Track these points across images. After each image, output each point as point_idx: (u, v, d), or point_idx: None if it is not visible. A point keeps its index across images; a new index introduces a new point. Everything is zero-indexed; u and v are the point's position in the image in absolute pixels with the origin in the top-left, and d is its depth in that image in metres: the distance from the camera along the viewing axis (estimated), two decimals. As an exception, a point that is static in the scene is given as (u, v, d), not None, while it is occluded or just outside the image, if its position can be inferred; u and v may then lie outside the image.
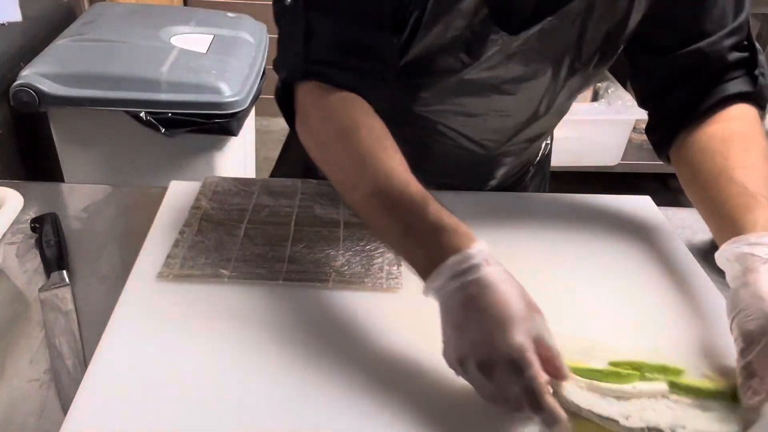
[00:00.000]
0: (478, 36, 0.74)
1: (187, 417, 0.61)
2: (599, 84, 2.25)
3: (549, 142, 1.11)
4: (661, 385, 0.61)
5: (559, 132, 2.10)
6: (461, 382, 0.62)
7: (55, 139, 1.71)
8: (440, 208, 0.62)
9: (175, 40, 1.77)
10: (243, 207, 0.87)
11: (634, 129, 2.25)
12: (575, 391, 0.59)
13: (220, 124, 1.62)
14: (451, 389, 0.64)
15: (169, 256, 0.78)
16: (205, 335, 0.69)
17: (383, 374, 0.66)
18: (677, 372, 0.62)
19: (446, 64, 0.77)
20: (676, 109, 0.78)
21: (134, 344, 0.68)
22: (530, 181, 1.10)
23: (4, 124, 1.67)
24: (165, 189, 0.92)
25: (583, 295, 0.78)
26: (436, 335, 0.70)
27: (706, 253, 0.91)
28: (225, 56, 1.73)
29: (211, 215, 0.85)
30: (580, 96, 2.24)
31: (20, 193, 0.81)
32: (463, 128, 0.90)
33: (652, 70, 0.79)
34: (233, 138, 1.69)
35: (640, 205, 0.95)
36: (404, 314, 0.73)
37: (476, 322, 0.56)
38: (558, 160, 2.20)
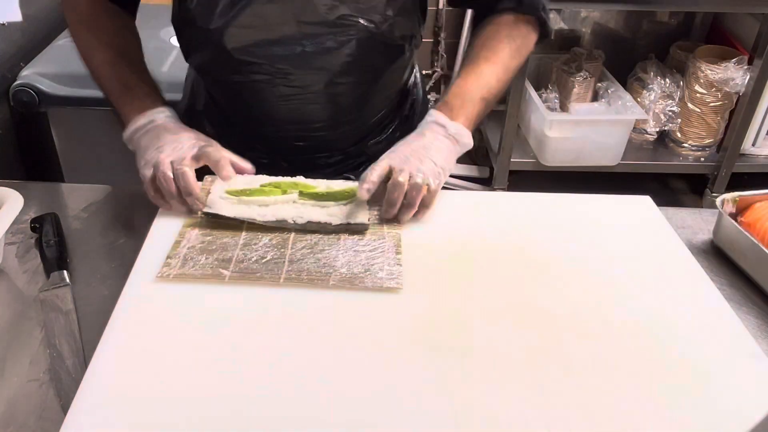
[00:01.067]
0: None
1: (186, 416, 0.61)
2: (599, 84, 2.25)
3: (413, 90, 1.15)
4: (293, 195, 0.86)
5: (558, 132, 2.11)
6: (463, 381, 0.61)
7: (55, 139, 1.71)
8: (138, 84, 0.93)
9: (175, 41, 1.77)
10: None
11: (634, 129, 2.25)
12: (228, 206, 0.84)
13: (220, 124, 1.61)
14: (454, 386, 0.64)
15: (169, 256, 0.78)
16: (205, 335, 0.69)
17: (384, 373, 0.66)
18: (308, 186, 0.88)
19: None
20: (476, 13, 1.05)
21: (134, 344, 0.68)
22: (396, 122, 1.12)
23: (4, 124, 1.67)
24: (165, 189, 0.92)
25: (582, 294, 0.78)
26: (437, 333, 0.70)
27: (706, 253, 0.91)
28: (225, 56, 1.73)
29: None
30: (580, 96, 2.24)
31: (20, 193, 0.81)
32: (277, 64, 0.93)
33: None
34: (233, 138, 1.69)
35: (640, 205, 0.95)
36: (405, 313, 0.73)
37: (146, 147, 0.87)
38: (558, 160, 2.21)
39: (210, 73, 1.03)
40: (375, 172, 0.84)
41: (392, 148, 0.88)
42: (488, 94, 0.93)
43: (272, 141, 1.04)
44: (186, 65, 1.11)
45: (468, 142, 0.91)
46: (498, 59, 0.95)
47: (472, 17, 1.07)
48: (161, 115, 0.90)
